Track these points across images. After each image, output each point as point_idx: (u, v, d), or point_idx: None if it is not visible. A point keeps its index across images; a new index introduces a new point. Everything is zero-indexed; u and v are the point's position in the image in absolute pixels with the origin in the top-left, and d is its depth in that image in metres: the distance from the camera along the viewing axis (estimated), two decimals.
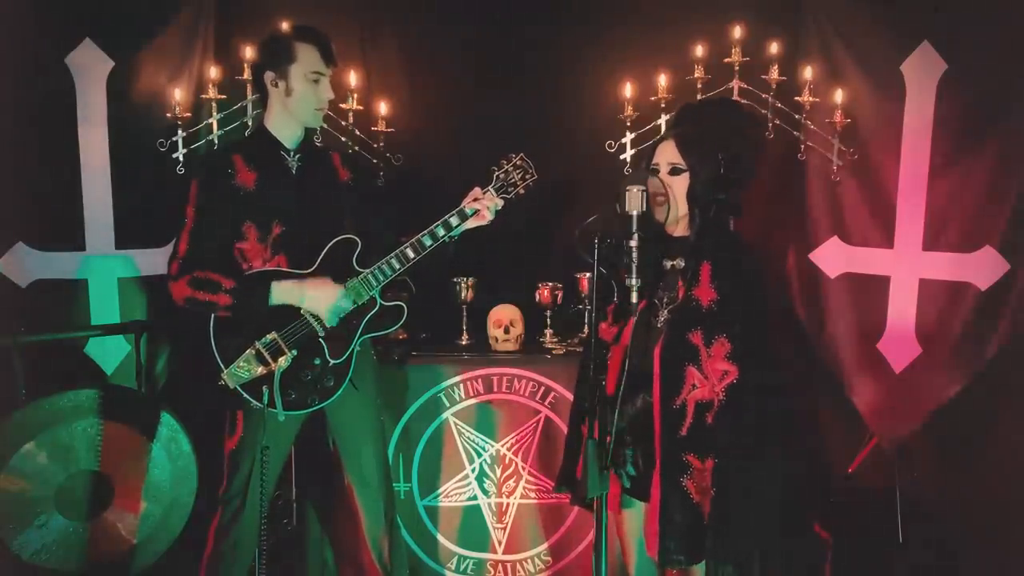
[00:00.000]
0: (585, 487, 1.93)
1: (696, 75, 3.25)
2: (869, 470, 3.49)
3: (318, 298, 2.42)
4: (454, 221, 2.52)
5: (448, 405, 3.13)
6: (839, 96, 3.19)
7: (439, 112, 3.63)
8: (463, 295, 3.35)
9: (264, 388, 2.42)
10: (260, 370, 2.42)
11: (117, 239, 3.33)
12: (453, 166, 3.23)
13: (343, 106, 3.36)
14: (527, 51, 3.59)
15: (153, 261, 3.35)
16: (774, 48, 3.23)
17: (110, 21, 3.25)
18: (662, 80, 3.25)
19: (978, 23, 3.07)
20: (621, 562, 2.43)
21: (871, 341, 3.31)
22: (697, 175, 2.13)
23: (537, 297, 3.38)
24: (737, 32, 3.22)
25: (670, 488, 2.07)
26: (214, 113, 3.36)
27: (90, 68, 3.26)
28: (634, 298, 1.94)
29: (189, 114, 3.34)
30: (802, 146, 3.30)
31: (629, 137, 3.34)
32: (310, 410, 2.51)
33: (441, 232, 2.51)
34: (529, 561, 3.17)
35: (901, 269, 3.25)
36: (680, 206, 2.16)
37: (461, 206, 2.54)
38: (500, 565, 3.17)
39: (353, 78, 3.40)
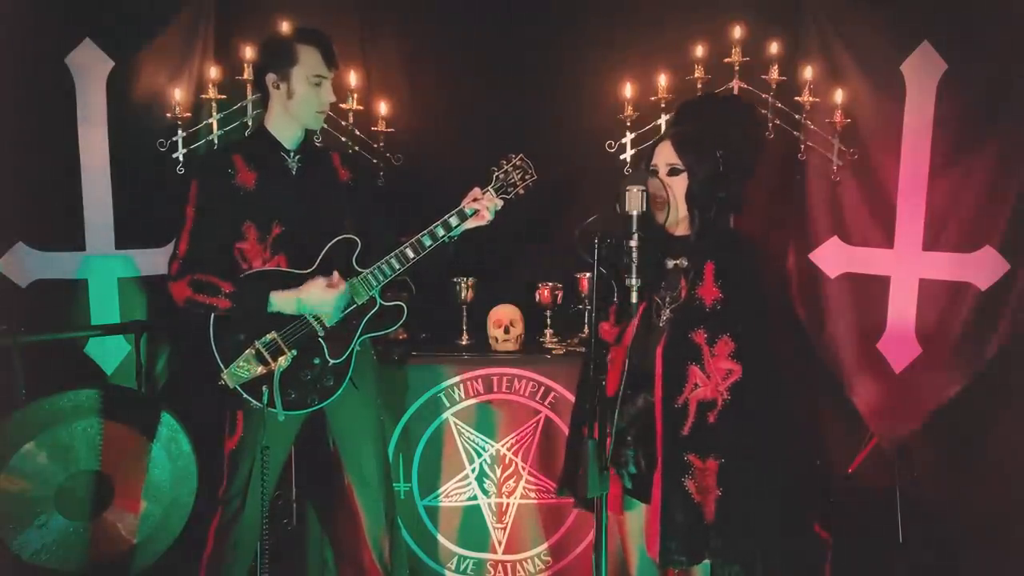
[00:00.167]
0: (585, 487, 1.92)
1: (696, 75, 3.25)
2: (869, 470, 3.48)
3: (316, 298, 2.42)
4: (454, 221, 2.52)
5: (448, 405, 3.13)
6: (839, 96, 3.19)
7: (439, 112, 3.63)
8: (463, 295, 3.35)
9: (264, 388, 2.42)
10: (260, 370, 2.42)
11: (117, 239, 3.33)
12: (453, 166, 3.23)
13: (343, 106, 3.36)
14: (527, 51, 3.59)
15: (153, 261, 3.35)
16: (774, 48, 3.23)
17: (110, 21, 3.25)
18: (662, 80, 3.25)
19: (978, 23, 3.07)
20: (622, 562, 2.43)
21: (871, 341, 3.31)
22: (695, 175, 2.13)
23: (537, 297, 3.38)
24: (737, 32, 3.22)
25: (671, 488, 2.06)
26: (214, 113, 3.36)
27: (90, 68, 3.26)
28: (634, 298, 1.94)
29: (189, 114, 3.34)
30: (802, 146, 3.30)
31: (629, 137, 3.34)
32: (310, 410, 2.51)
33: (441, 232, 2.51)
34: (529, 561, 3.17)
35: (901, 269, 3.25)
36: (680, 207, 2.16)
37: (461, 206, 2.54)
38: (500, 565, 3.17)
39: (353, 78, 3.40)
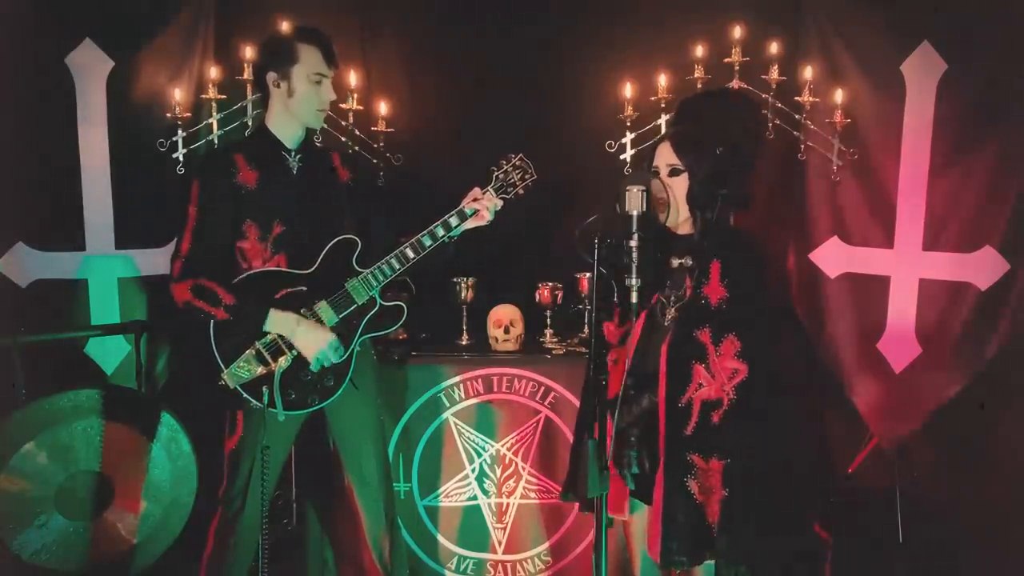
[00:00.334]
0: (585, 487, 1.92)
1: (696, 75, 3.25)
2: (869, 470, 3.49)
3: (309, 339, 2.42)
4: (453, 221, 2.52)
5: (448, 405, 3.13)
6: (839, 96, 3.19)
7: (439, 112, 3.63)
8: (463, 295, 3.35)
9: (264, 388, 2.42)
10: (260, 370, 2.42)
11: (117, 239, 3.33)
12: (453, 166, 3.23)
13: (343, 106, 3.36)
14: (527, 51, 3.59)
15: (153, 261, 3.35)
16: (774, 48, 3.23)
17: (110, 21, 3.25)
18: (662, 80, 3.26)
19: (978, 23, 3.07)
20: (624, 563, 2.43)
21: (871, 341, 3.31)
22: (696, 175, 2.12)
23: (537, 297, 3.38)
24: (737, 32, 3.22)
25: (673, 488, 2.05)
26: (214, 113, 3.36)
27: (90, 68, 3.26)
28: (634, 298, 1.93)
29: (189, 114, 3.34)
30: (802, 146, 3.30)
31: (629, 137, 3.34)
32: (310, 410, 2.51)
33: (441, 232, 2.51)
34: (529, 561, 3.17)
35: (901, 269, 3.25)
36: (681, 207, 2.15)
37: (460, 206, 2.54)
38: (500, 565, 3.17)
39: (353, 78, 3.40)
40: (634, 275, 1.92)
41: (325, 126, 2.97)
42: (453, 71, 3.64)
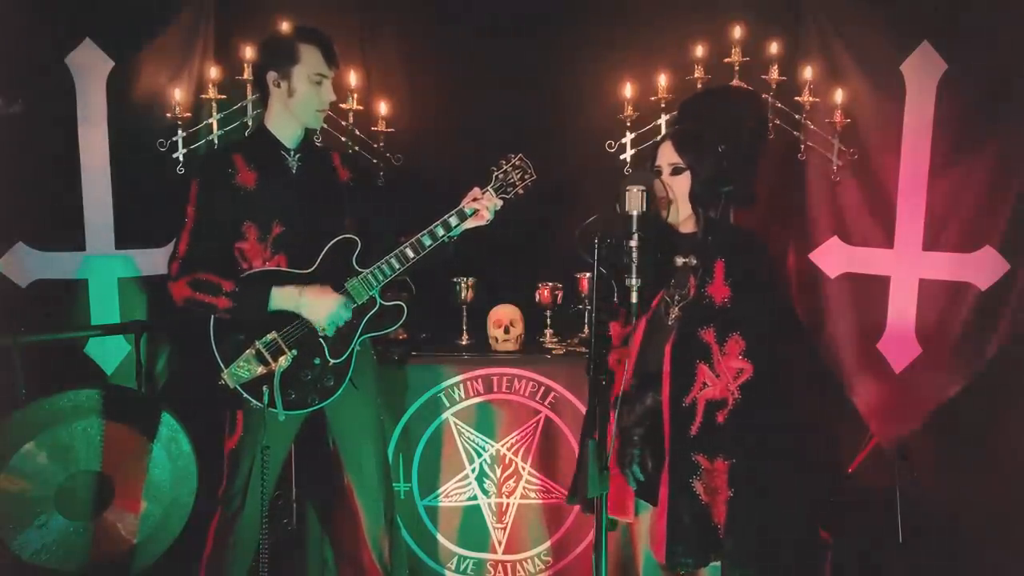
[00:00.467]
0: (585, 487, 1.91)
1: (696, 75, 3.25)
2: (869, 470, 3.49)
3: (317, 306, 2.42)
4: (453, 221, 2.52)
5: (448, 405, 3.13)
6: (839, 96, 3.19)
7: (439, 112, 3.63)
8: (463, 295, 3.35)
9: (264, 388, 2.42)
10: (260, 370, 2.42)
11: (117, 239, 3.33)
12: (453, 166, 3.23)
13: (343, 106, 3.36)
14: (527, 51, 3.59)
15: (153, 261, 3.35)
16: (774, 48, 3.23)
17: (110, 21, 3.25)
18: (662, 80, 3.26)
19: (978, 23, 3.07)
20: (626, 563, 2.42)
21: (871, 341, 3.30)
22: (698, 173, 2.12)
23: (537, 297, 3.38)
24: (737, 32, 3.23)
25: (678, 489, 2.03)
26: (214, 113, 3.36)
27: (90, 68, 3.25)
28: (634, 298, 1.93)
29: (189, 114, 3.34)
30: (802, 146, 3.30)
31: (629, 137, 3.34)
32: (310, 410, 2.51)
33: (440, 232, 2.51)
34: (529, 561, 3.17)
35: (901, 269, 3.25)
36: (684, 205, 2.15)
37: (460, 206, 2.54)
38: (500, 565, 3.17)
39: (353, 78, 3.40)
40: (634, 275, 1.92)
41: (325, 126, 2.98)
42: (453, 71, 3.64)
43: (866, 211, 3.30)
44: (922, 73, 3.15)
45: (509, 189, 2.59)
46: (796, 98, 3.24)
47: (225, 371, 2.40)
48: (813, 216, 3.38)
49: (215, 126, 3.37)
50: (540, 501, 3.15)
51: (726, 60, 3.25)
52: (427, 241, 2.50)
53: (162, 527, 2.87)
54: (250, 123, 3.39)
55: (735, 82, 3.25)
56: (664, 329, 2.15)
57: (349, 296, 2.47)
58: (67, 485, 2.78)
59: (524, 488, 3.15)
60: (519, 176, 2.60)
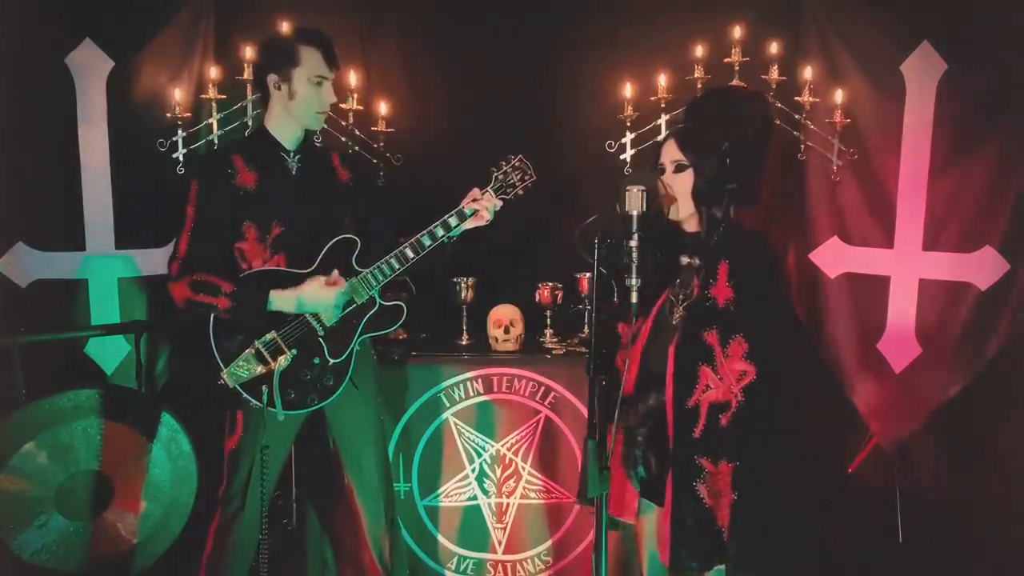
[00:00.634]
0: (585, 487, 1.91)
1: (696, 75, 3.25)
2: (869, 470, 3.48)
3: (316, 296, 2.42)
4: (453, 221, 2.52)
5: (448, 405, 3.13)
6: (839, 96, 3.19)
7: (439, 112, 3.63)
8: (463, 295, 3.35)
9: (264, 388, 2.42)
10: (260, 369, 2.42)
11: (117, 239, 3.33)
12: (453, 166, 3.23)
13: (343, 106, 3.36)
14: (527, 51, 3.59)
15: (153, 261, 3.35)
16: (774, 48, 3.23)
17: (110, 21, 3.25)
18: (662, 80, 3.26)
19: (978, 23, 3.07)
20: (628, 564, 2.41)
21: (871, 341, 3.30)
22: (700, 171, 2.11)
23: (537, 297, 3.38)
24: (737, 32, 3.22)
25: (682, 492, 2.02)
26: (214, 113, 3.36)
27: (90, 68, 3.25)
28: (634, 298, 1.93)
29: (189, 114, 3.34)
30: (802, 146, 3.30)
31: (629, 137, 3.34)
32: (310, 410, 2.51)
33: (440, 232, 2.51)
34: (529, 561, 3.17)
35: (901, 269, 3.25)
36: (685, 203, 2.14)
37: (460, 206, 2.54)
38: (500, 565, 3.17)
39: (353, 78, 3.40)
40: (634, 275, 1.91)
41: (325, 126, 2.97)
42: (453, 71, 3.64)
43: (866, 211, 3.30)
44: (922, 73, 3.15)
45: (509, 190, 2.59)
46: (796, 98, 3.24)
47: (225, 371, 2.40)
48: (813, 216, 3.37)
49: (215, 126, 3.37)
50: (540, 501, 3.15)
51: (726, 60, 3.25)
52: (427, 241, 2.50)
53: (162, 527, 2.87)
54: (250, 123, 3.39)
55: (735, 82, 3.25)
56: (668, 329, 2.14)
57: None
58: (67, 485, 2.78)
59: (524, 488, 3.15)
60: (519, 177, 2.60)
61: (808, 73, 3.21)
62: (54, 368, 3.13)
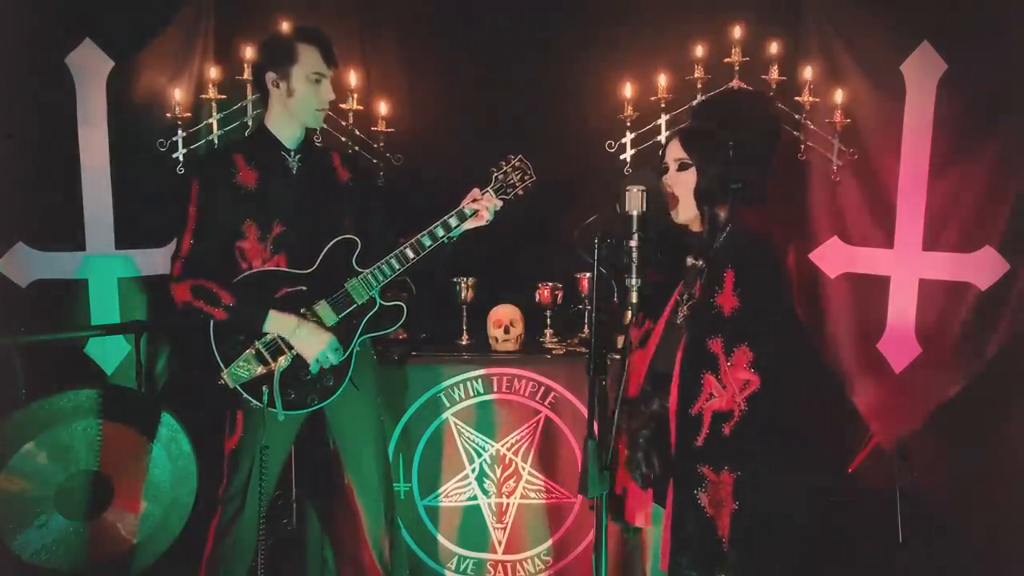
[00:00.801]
0: (585, 487, 1.91)
1: (696, 75, 3.25)
2: (869, 470, 3.48)
3: (309, 341, 2.43)
4: (453, 222, 2.52)
5: (448, 405, 3.13)
6: (839, 96, 3.19)
7: (439, 112, 3.63)
8: (463, 295, 3.35)
9: (264, 388, 2.42)
10: (260, 370, 2.42)
11: (117, 239, 3.33)
12: (453, 166, 3.23)
13: (343, 106, 3.36)
14: (527, 51, 3.59)
15: (153, 261, 3.35)
16: (774, 48, 3.23)
17: (110, 21, 3.25)
18: (662, 80, 3.26)
19: (978, 23, 3.07)
20: (629, 565, 2.40)
21: (871, 341, 3.31)
22: (704, 170, 2.10)
23: (537, 297, 3.38)
24: (737, 32, 3.23)
25: (683, 501, 2.01)
26: (214, 113, 3.36)
27: (90, 68, 3.25)
28: (634, 298, 1.92)
29: (189, 114, 3.34)
30: (802, 146, 3.30)
31: (629, 137, 3.34)
32: (310, 410, 2.51)
33: (440, 232, 2.51)
34: (529, 561, 3.17)
35: (901, 269, 3.25)
36: (688, 202, 2.13)
37: (460, 207, 2.54)
38: (500, 565, 3.17)
39: (353, 78, 3.40)
40: (634, 275, 1.91)
41: (325, 126, 2.98)
42: (453, 71, 3.64)
43: (866, 211, 3.31)
44: (922, 73, 3.15)
45: (509, 190, 2.59)
46: (796, 98, 3.24)
47: (225, 371, 2.41)
48: (813, 216, 3.38)
49: (215, 126, 3.37)
50: (540, 501, 3.15)
51: (726, 60, 3.25)
52: (427, 241, 2.50)
53: (162, 527, 2.86)
54: (250, 123, 3.39)
55: (735, 82, 3.25)
56: (676, 330, 2.14)
57: (340, 337, 2.47)
58: (67, 485, 2.77)
59: (524, 488, 3.15)
60: (519, 177, 2.60)
61: (808, 73, 3.21)
62: (54, 368, 3.12)
